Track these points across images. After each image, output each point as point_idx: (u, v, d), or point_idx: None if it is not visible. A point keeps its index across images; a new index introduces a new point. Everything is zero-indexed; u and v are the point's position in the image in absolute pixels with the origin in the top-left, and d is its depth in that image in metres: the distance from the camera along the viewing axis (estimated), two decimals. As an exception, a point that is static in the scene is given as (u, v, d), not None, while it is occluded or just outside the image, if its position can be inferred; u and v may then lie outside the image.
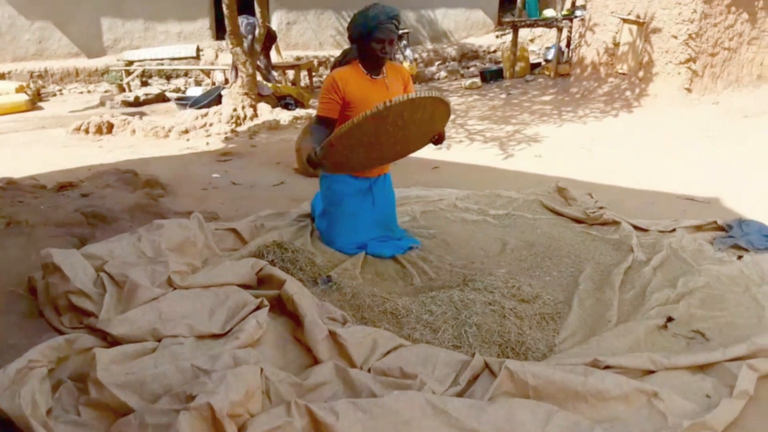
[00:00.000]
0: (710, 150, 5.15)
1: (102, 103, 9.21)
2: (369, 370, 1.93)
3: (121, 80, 9.94)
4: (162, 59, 10.22)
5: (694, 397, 1.95)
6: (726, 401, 1.88)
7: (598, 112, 6.95)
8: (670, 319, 2.41)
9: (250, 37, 7.87)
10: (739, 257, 3.01)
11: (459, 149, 5.87)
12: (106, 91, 9.92)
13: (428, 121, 2.80)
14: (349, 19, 3.01)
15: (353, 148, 2.77)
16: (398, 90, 3.05)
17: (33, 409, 1.44)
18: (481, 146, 5.91)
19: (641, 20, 7.15)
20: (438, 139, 3.05)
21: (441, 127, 2.97)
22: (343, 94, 2.91)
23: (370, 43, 2.86)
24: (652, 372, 2.07)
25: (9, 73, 9.96)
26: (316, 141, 2.88)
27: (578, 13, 9.05)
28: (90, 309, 2.01)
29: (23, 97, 9.06)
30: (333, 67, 3.09)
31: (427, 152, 5.58)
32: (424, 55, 11.62)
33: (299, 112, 7.68)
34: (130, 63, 10.14)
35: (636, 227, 3.44)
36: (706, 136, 5.60)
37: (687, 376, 2.07)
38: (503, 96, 8.52)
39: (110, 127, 7.04)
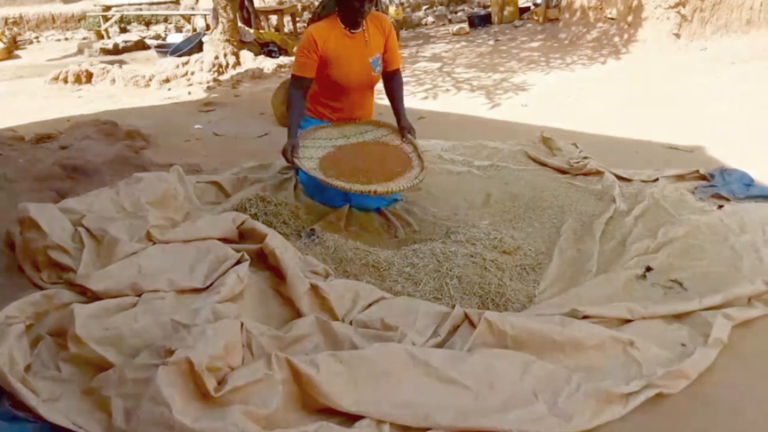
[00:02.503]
0: (696, 98, 5.12)
1: (80, 51, 8.95)
2: (351, 323, 1.95)
3: (99, 27, 9.63)
4: (140, 4, 9.89)
5: (669, 345, 1.99)
6: (701, 349, 1.92)
7: (586, 59, 6.85)
8: (648, 269, 2.44)
9: None
10: (720, 207, 3.03)
11: (445, 98, 5.79)
12: (84, 38, 9.63)
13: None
14: None
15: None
16: (378, 45, 2.96)
17: (11, 366, 1.44)
18: (467, 95, 5.83)
19: (633, -37, 6.97)
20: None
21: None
22: (321, 53, 2.83)
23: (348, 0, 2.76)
24: (629, 321, 2.11)
25: (-19, 19, 9.62)
26: (295, 115, 2.86)
27: (569, -46, 8.77)
28: (68, 264, 2.00)
29: (-2, 45, 8.79)
30: (311, 21, 2.99)
31: (414, 102, 5.53)
32: (411, -1, 11.32)
33: (283, 59, 7.51)
34: (108, 8, 9.80)
35: (619, 177, 3.44)
36: (693, 83, 5.55)
37: (663, 325, 2.11)
38: (491, 42, 8.36)
39: (89, 76, 6.87)
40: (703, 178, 3.38)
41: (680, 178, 3.42)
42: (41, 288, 2.04)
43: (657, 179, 3.39)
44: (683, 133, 4.18)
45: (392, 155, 3.00)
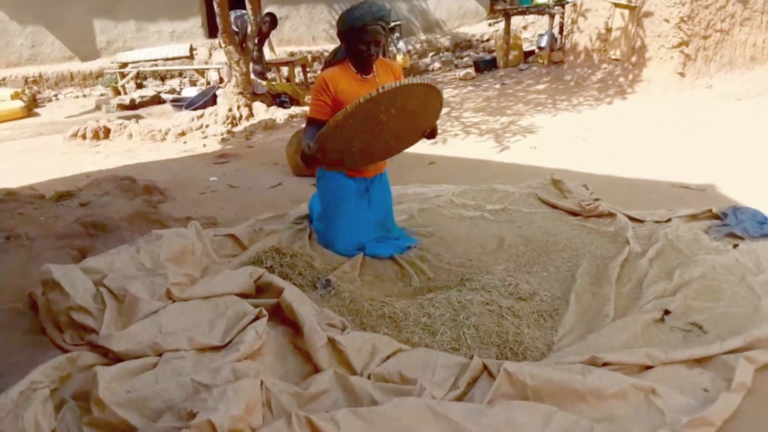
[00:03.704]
0: (704, 135, 5.16)
1: (98, 107, 9.21)
2: (369, 377, 1.95)
3: (116, 83, 9.92)
4: (156, 60, 10.20)
5: (692, 391, 1.97)
6: (724, 395, 1.90)
7: (592, 100, 6.94)
8: (666, 312, 2.43)
9: (242, 31, 7.85)
10: (735, 246, 3.02)
11: (455, 143, 5.87)
12: (101, 95, 9.92)
13: (421, 112, 2.80)
14: (341, 12, 3.00)
15: (347, 140, 2.75)
16: (390, 88, 3.04)
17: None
18: (476, 139, 5.91)
19: (632, 4, 7.13)
20: (431, 134, 3.05)
21: (434, 120, 2.97)
22: (333, 95, 2.91)
23: (357, 44, 2.86)
24: (650, 367, 2.09)
25: (3, 79, 9.95)
26: (310, 139, 2.89)
27: (570, -1, 9.01)
28: (91, 325, 2.03)
29: (19, 104, 9.07)
30: (324, 68, 3.09)
31: (423, 147, 5.57)
32: (418, 46, 11.58)
33: (294, 110, 7.67)
34: (125, 65, 10.12)
35: (631, 218, 3.45)
36: (700, 121, 5.60)
37: (684, 370, 2.09)
38: (497, 86, 8.51)
39: (107, 132, 7.05)
40: (716, 217, 3.38)
41: (693, 217, 3.42)
42: (63, 348, 2.07)
43: (670, 219, 3.39)
44: (693, 171, 4.20)
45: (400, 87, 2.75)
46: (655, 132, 5.46)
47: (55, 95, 10.21)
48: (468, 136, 6.06)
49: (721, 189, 3.85)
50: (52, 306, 2.15)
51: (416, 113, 2.79)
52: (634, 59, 7.18)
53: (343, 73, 2.95)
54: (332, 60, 3.03)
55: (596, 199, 3.70)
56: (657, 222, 3.40)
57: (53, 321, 2.14)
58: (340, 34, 2.94)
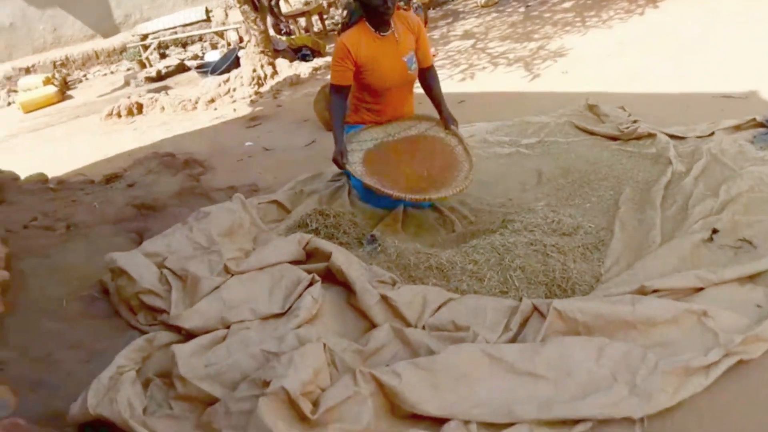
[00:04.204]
0: (744, 38, 4.89)
1: (127, 83, 9.35)
2: (423, 327, 2.04)
3: (140, 56, 10.01)
4: (174, 27, 10.20)
5: (744, 309, 1.98)
6: (778, 310, 1.92)
7: (623, 12, 6.63)
8: (715, 231, 2.42)
9: None
10: (783, 154, 2.95)
11: (483, 76, 5.76)
12: (128, 69, 10.04)
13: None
14: None
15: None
16: (409, 44, 3.01)
17: (131, 411, 1.61)
18: (505, 70, 5.77)
19: None
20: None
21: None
22: (355, 59, 2.90)
23: (372, 0, 2.82)
24: (701, 289, 2.11)
25: (33, 66, 10.16)
26: (338, 120, 2.97)
27: None
28: (161, 306, 2.17)
29: (52, 89, 9.28)
30: (340, 31, 3.07)
31: (451, 86, 5.53)
32: (435, -25, 11.16)
33: (317, 62, 7.62)
34: (145, 36, 10.16)
35: (673, 136, 3.38)
36: (736, 22, 5.30)
37: (736, 288, 2.10)
38: (522, 9, 8.20)
39: (140, 108, 7.19)
40: (761, 125, 3.27)
41: (737, 128, 3.32)
42: (139, 329, 2.23)
43: (713, 133, 3.31)
44: (734, 78, 4.03)
45: (438, 150, 3.06)
46: (690, 40, 5.22)
47: (84, 75, 10.39)
48: (496, 68, 5.92)
49: (765, 95, 3.70)
50: (121, 291, 2.30)
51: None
52: (664, -39, 6.77)
53: (361, 35, 2.92)
54: (348, 22, 3.00)
55: (635, 121, 3.62)
56: (699, 137, 3.32)
57: (126, 305, 2.30)
58: None
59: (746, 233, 2.40)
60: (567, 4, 7.75)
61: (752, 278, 2.14)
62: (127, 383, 1.69)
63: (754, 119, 3.30)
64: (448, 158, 2.98)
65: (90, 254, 2.96)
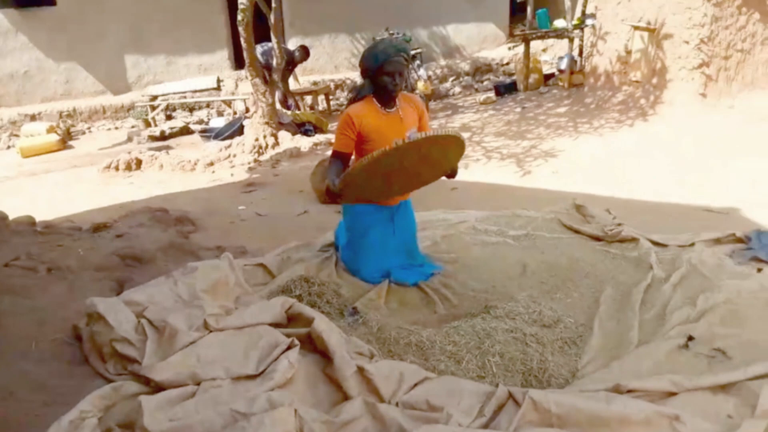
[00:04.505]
0: (727, 157, 5.16)
1: (130, 139, 9.52)
2: (397, 404, 2.02)
3: (147, 115, 10.25)
4: (184, 92, 10.53)
5: (716, 418, 1.98)
6: (748, 422, 1.92)
7: (614, 123, 6.98)
8: (690, 338, 2.45)
9: (269, 61, 8.08)
10: (759, 270, 3.03)
11: (476, 168, 5.96)
12: (132, 127, 10.24)
13: (443, 158, 2.96)
14: (362, 41, 3.16)
15: (370, 179, 2.92)
16: (413, 121, 3.16)
17: (89, 459, 1.57)
18: (498, 164, 5.99)
19: (652, 26, 7.18)
20: (451, 174, 3.16)
21: (455, 163, 3.09)
22: (358, 129, 3.04)
23: (380, 77, 2.99)
24: (674, 394, 2.12)
25: (39, 114, 10.35)
26: (334, 174, 3.03)
27: (589, 21, 9.08)
28: (133, 355, 2.14)
29: (54, 137, 9.41)
30: (348, 104, 3.22)
31: (446, 173, 5.69)
32: (438, 71, 11.74)
33: (319, 138, 7.85)
34: (154, 98, 10.46)
35: (655, 243, 3.48)
36: (722, 142, 5.60)
37: (709, 396, 2.11)
38: (518, 110, 8.59)
39: (139, 163, 7.29)
40: (740, 240, 3.39)
41: (717, 241, 3.43)
42: (106, 378, 2.18)
43: (693, 243, 3.41)
44: (717, 194, 4.21)
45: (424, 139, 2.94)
46: (676, 154, 5.48)
47: (89, 128, 10.57)
48: (490, 161, 6.14)
49: (745, 212, 3.86)
50: (96, 337, 2.26)
51: (438, 159, 2.96)
52: (654, 81, 7.21)
53: (367, 109, 3.08)
54: (356, 97, 3.16)
55: (619, 224, 3.73)
56: (680, 246, 3.42)
57: (97, 351, 2.26)
58: (363, 71, 3.08)
59: (721, 344, 2.43)
60: (561, 110, 8.15)
61: (724, 388, 2.15)
62: (87, 430, 1.65)
63: (734, 234, 3.42)
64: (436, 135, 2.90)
65: (68, 299, 2.93)
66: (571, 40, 9.40)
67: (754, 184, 4.37)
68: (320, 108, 9.97)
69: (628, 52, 7.60)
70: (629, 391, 2.08)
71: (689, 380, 2.13)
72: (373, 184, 2.98)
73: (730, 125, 6.14)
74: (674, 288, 2.91)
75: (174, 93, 10.34)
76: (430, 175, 3.13)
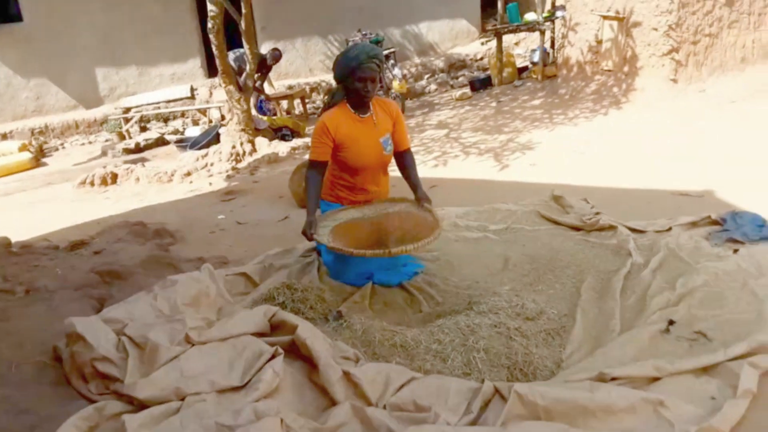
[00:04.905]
0: (700, 141, 5.23)
1: (104, 153, 9.39)
2: (385, 407, 2.01)
3: (121, 128, 10.13)
4: (158, 102, 10.44)
5: (699, 400, 2.01)
6: (730, 402, 1.95)
7: (588, 112, 7.04)
8: (671, 323, 2.49)
9: (242, 67, 8.02)
10: (735, 251, 3.08)
11: (455, 164, 5.97)
12: (106, 140, 10.11)
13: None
14: (335, 43, 3.17)
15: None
16: (387, 127, 3.16)
17: (72, 483, 1.54)
18: (476, 159, 6.01)
19: (621, 16, 7.26)
20: None
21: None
22: (333, 137, 3.03)
23: (353, 82, 2.99)
24: (657, 379, 2.14)
25: (10, 132, 10.17)
26: (313, 195, 3.06)
27: (559, 13, 9.16)
28: (115, 374, 2.11)
29: (27, 156, 9.26)
30: (322, 111, 3.22)
31: (425, 170, 5.71)
32: (413, 69, 11.76)
33: (296, 142, 7.82)
34: (128, 110, 10.35)
35: (632, 229, 3.52)
36: (695, 126, 5.68)
37: (691, 379, 2.14)
38: (494, 104, 8.64)
39: (114, 177, 7.20)
40: (715, 223, 3.44)
41: (693, 225, 3.48)
42: (89, 398, 2.15)
43: (670, 228, 3.46)
44: (691, 178, 4.27)
45: (408, 221, 3.11)
46: (651, 140, 5.55)
47: (62, 144, 10.42)
48: (468, 157, 6.16)
49: (719, 194, 3.91)
50: (76, 358, 2.23)
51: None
52: (626, 69, 7.29)
53: (341, 115, 3.07)
54: (330, 102, 3.15)
55: (597, 213, 3.77)
56: (658, 232, 3.46)
57: (78, 372, 2.22)
58: (336, 76, 3.07)
59: (701, 326, 2.47)
60: (536, 102, 8.21)
61: (707, 370, 2.18)
62: (72, 453, 1.62)
63: (710, 217, 3.47)
64: (416, 224, 3.03)
65: (48, 320, 2.88)
66: (543, 33, 9.47)
67: (727, 166, 4.44)
68: (297, 112, 9.93)
69: (599, 42, 7.67)
70: (613, 379, 2.11)
71: (672, 364, 2.17)
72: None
73: (702, 108, 6.23)
74: (653, 273, 2.95)
75: (147, 104, 10.24)
76: None
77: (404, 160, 3.31)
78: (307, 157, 3.44)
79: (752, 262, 2.93)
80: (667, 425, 1.87)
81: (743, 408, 1.94)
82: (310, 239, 2.99)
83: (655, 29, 6.88)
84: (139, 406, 1.97)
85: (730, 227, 3.31)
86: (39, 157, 9.66)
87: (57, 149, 10.27)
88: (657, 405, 1.94)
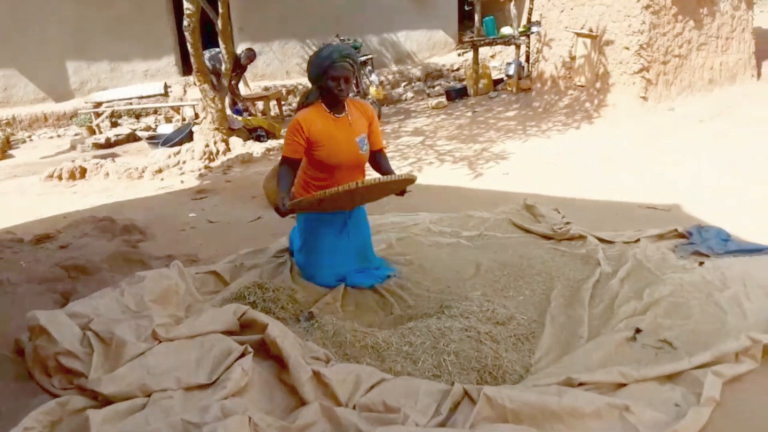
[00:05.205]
0: (668, 157, 5.36)
1: (73, 147, 9.18)
2: (354, 407, 2.01)
3: (91, 122, 9.92)
4: (130, 98, 10.25)
5: (663, 407, 2.06)
6: (694, 409, 2.00)
7: (561, 125, 7.16)
8: (638, 331, 2.54)
9: (217, 66, 7.94)
10: (701, 263, 3.16)
11: (430, 171, 6.01)
12: (76, 135, 9.89)
13: (394, 189, 3.08)
14: (312, 47, 3.17)
15: (320, 206, 2.99)
16: (362, 127, 3.16)
17: (31, 478, 1.49)
18: (451, 167, 6.05)
19: (594, 33, 7.41)
20: (401, 192, 3.18)
21: (404, 188, 3.13)
22: (307, 135, 3.02)
23: (326, 81, 2.98)
24: (623, 385, 2.18)
25: (-25, 122, 9.89)
26: (284, 185, 3.02)
27: (534, 29, 9.31)
28: (79, 369, 2.06)
29: (-8, 147, 9.01)
30: (297, 109, 3.20)
31: (399, 177, 5.72)
32: (390, 77, 11.82)
33: (271, 143, 7.76)
34: (99, 104, 10.14)
35: (601, 240, 3.58)
36: (663, 143, 5.82)
37: (656, 386, 2.19)
38: (469, 114, 8.72)
39: (83, 172, 7.04)
40: (681, 236, 3.53)
41: (660, 237, 3.56)
42: (52, 393, 2.09)
43: (638, 240, 3.53)
44: (659, 192, 4.37)
45: (381, 185, 3.04)
46: (621, 155, 5.67)
47: (29, 136, 10.15)
48: (442, 164, 6.20)
49: (686, 209, 4.01)
50: (39, 352, 2.17)
51: (389, 190, 3.09)
52: (598, 85, 7.44)
53: (316, 114, 3.06)
54: (305, 102, 3.14)
55: (567, 223, 3.83)
56: (626, 243, 3.53)
57: (41, 366, 2.16)
58: (310, 77, 3.07)
59: (667, 335, 2.53)
60: (510, 113, 8.31)
61: (671, 378, 2.24)
62: (31, 447, 1.57)
63: (676, 230, 3.56)
64: (388, 184, 3.00)
65: (9, 313, 2.80)
66: (518, 47, 9.61)
67: (693, 182, 4.56)
68: (272, 113, 9.87)
69: (573, 58, 7.82)
70: (580, 384, 2.14)
71: (637, 371, 2.21)
72: (323, 207, 3.03)
73: (671, 126, 6.40)
74: (621, 282, 3.01)
75: (119, 99, 10.05)
76: (380, 196, 3.25)
77: (378, 159, 3.31)
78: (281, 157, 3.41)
79: (717, 274, 3.01)
80: (632, 430, 1.91)
81: (706, 415, 1.99)
82: (284, 214, 2.94)
83: (627, 48, 7.04)
84: (103, 401, 1.93)
85: (696, 240, 3.40)
86: (5, 148, 9.40)
87: (24, 141, 10.01)
88: (623, 410, 1.98)
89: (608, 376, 2.18)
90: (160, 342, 2.20)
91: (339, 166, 3.14)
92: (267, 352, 2.25)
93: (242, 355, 2.12)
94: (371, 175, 3.36)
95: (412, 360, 2.31)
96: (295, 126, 3.03)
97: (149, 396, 1.93)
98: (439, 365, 2.28)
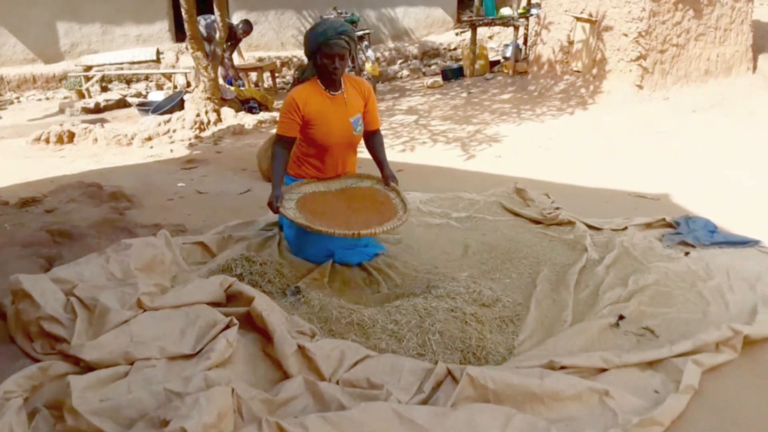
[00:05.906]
0: (660, 146, 5.38)
1: (62, 111, 9.03)
2: (338, 382, 2.02)
3: (81, 86, 9.75)
4: (121, 63, 10.06)
5: (643, 393, 2.09)
6: (672, 396, 2.03)
7: (555, 110, 7.15)
8: (621, 318, 2.56)
9: (211, 34, 7.81)
10: (686, 253, 3.19)
11: (422, 150, 5.98)
12: (65, 98, 9.72)
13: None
14: (309, 18, 3.10)
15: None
16: (358, 106, 3.12)
17: (11, 441, 1.49)
18: (443, 147, 6.03)
19: (593, 18, 7.37)
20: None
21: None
22: (302, 114, 2.98)
23: (320, 58, 2.93)
24: (605, 370, 2.21)
25: (-39, 81, 9.69)
26: (278, 170, 3.00)
27: (534, 11, 9.23)
28: (62, 335, 2.05)
29: (-22, 107, 8.84)
30: (292, 86, 3.15)
31: (392, 155, 5.68)
32: (386, 53, 11.70)
33: (263, 115, 7.68)
34: (89, 68, 9.95)
35: (590, 226, 3.60)
36: (656, 132, 5.83)
37: (637, 372, 2.22)
38: (464, 95, 8.67)
39: (71, 136, 6.94)
40: (669, 225, 3.55)
41: (648, 226, 3.58)
42: (33, 358, 2.08)
43: (626, 228, 3.55)
44: (649, 181, 4.38)
45: (375, 200, 3.10)
46: (613, 142, 5.67)
47: (17, 98, 9.97)
48: (435, 144, 6.18)
49: (675, 198, 4.03)
50: (22, 316, 2.15)
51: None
52: (594, 71, 7.42)
53: (311, 91, 3.01)
54: (300, 78, 3.09)
55: (557, 208, 3.83)
56: (614, 230, 3.55)
57: (23, 330, 2.15)
58: (306, 53, 3.01)
59: (649, 323, 2.56)
60: (505, 96, 8.28)
61: (652, 365, 2.27)
62: (12, 410, 1.57)
63: (664, 219, 3.58)
64: (384, 205, 3.02)
65: (-8, 276, 2.77)
66: (517, 29, 9.53)
67: (684, 172, 4.58)
68: (266, 85, 9.75)
69: (570, 43, 7.78)
70: (562, 368, 2.16)
71: (619, 357, 2.24)
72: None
73: (665, 115, 6.41)
74: (607, 269, 3.03)
75: (110, 64, 9.87)
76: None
77: (373, 140, 3.28)
78: (274, 131, 3.38)
79: (702, 265, 3.04)
80: (611, 414, 1.94)
81: (684, 402, 2.02)
82: (276, 212, 2.94)
83: (626, 35, 7.01)
84: (85, 368, 1.92)
85: (683, 231, 3.42)
86: (-9, 109, 9.23)
87: (12, 102, 9.82)
88: (602, 394, 2.01)
89: (590, 360, 2.21)
90: (145, 311, 2.18)
91: (332, 145, 3.11)
92: (252, 325, 2.25)
93: (227, 326, 2.12)
94: (363, 155, 3.35)
95: (397, 338, 2.32)
96: (290, 103, 2.98)
97: (132, 364, 1.92)
98: (424, 344, 2.29)
